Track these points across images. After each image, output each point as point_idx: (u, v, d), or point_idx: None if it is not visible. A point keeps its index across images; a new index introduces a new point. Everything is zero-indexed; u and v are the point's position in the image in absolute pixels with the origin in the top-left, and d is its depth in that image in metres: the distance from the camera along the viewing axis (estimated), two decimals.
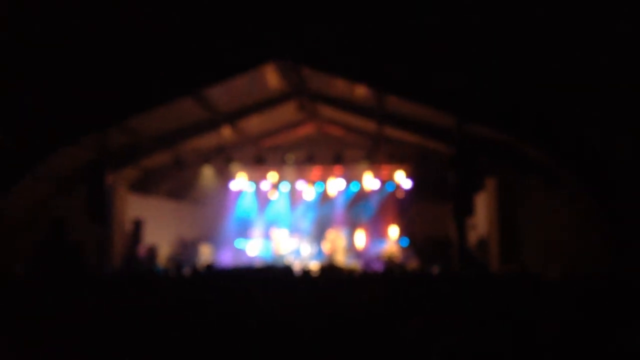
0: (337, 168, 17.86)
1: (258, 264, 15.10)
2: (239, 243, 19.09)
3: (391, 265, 14.74)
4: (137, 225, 15.42)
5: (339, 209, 19.75)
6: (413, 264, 15.52)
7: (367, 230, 19.57)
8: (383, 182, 19.02)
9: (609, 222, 10.07)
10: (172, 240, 17.82)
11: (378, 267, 14.92)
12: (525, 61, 8.64)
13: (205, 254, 17.15)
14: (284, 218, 19.76)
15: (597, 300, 5.51)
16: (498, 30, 8.35)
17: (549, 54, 8.32)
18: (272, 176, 18.94)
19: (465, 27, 8.53)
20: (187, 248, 17.94)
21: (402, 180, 18.30)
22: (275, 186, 19.42)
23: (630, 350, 4.16)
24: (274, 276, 8.80)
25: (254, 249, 18.64)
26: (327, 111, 15.40)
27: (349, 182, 19.18)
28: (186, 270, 10.47)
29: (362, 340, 4.45)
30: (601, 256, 9.95)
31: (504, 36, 8.39)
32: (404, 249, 17.36)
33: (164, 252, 16.84)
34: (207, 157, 15.44)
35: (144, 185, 16.65)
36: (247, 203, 20.03)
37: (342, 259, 16.71)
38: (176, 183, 18.26)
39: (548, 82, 8.86)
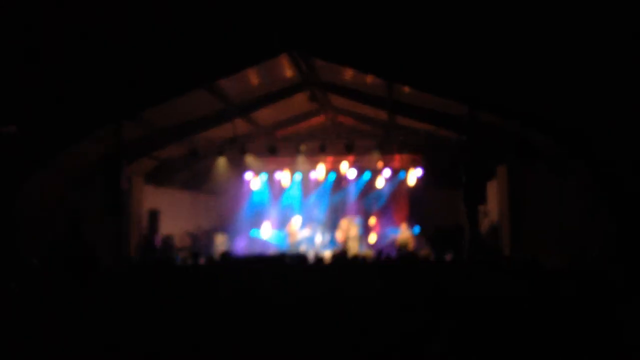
0: (349, 157, 18.02)
1: (272, 252, 15.33)
2: (254, 232, 19.39)
3: (403, 253, 14.88)
4: (153, 216, 15.71)
5: (352, 197, 20.01)
6: (425, 251, 15.66)
7: (379, 218, 19.77)
8: (395, 171, 19.18)
9: (618, 209, 10.15)
10: (181, 232, 18.13)
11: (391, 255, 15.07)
12: (537, 50, 8.66)
13: (220, 243, 17.40)
14: (297, 207, 20.04)
15: (603, 287, 5.60)
16: (510, 19, 8.39)
17: (561, 44, 8.37)
18: (286, 166, 19.20)
19: (476, 17, 8.59)
20: (195, 239, 18.23)
21: (414, 168, 18.45)
22: (289, 176, 19.68)
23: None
24: (287, 263, 8.99)
25: (268, 237, 18.89)
26: (339, 101, 15.50)
27: (361, 171, 19.39)
28: (202, 259, 10.72)
29: (370, 323, 4.61)
30: (611, 243, 10.04)
31: (516, 25, 8.43)
32: (417, 237, 17.51)
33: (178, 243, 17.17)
34: (221, 148, 15.64)
35: (159, 177, 16.91)
36: (260, 193, 20.32)
37: (355, 247, 16.88)
38: (191, 174, 18.51)
39: (558, 72, 8.91)
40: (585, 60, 8.30)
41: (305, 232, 18.26)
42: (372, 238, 19.20)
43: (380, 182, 19.38)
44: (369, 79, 12.39)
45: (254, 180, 19.88)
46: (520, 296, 5.43)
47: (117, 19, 9.24)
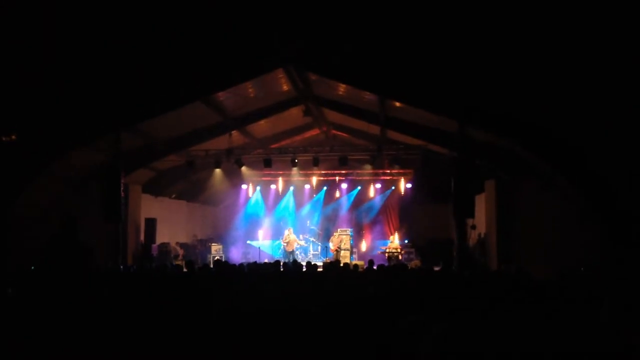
0: (343, 170, 18.35)
1: (267, 261, 15.55)
2: (248, 242, 19.63)
3: (394, 264, 15.12)
4: (151, 225, 15.88)
5: (344, 209, 20.31)
6: (416, 262, 15.89)
7: (371, 230, 20.07)
8: (386, 184, 19.54)
9: (603, 220, 10.38)
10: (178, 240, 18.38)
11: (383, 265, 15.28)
12: (523, 71, 9.00)
13: (216, 252, 17.61)
14: (291, 218, 20.32)
15: (592, 298, 5.68)
16: (498, 39, 8.73)
17: (545, 65, 8.70)
18: (280, 178, 19.51)
19: (467, 36, 8.92)
20: (187, 249, 18.45)
21: (405, 182, 18.80)
22: (283, 187, 19.99)
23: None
24: (281, 270, 9.22)
25: (262, 247, 19.13)
26: (333, 115, 15.77)
27: (353, 183, 19.73)
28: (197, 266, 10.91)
29: (362, 327, 4.74)
30: (596, 253, 10.26)
31: (504, 46, 8.76)
32: (407, 249, 17.76)
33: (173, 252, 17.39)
34: (217, 159, 15.81)
35: (157, 187, 17.15)
36: (255, 204, 20.61)
37: (346, 257, 17.08)
38: (188, 184, 18.72)
39: (544, 90, 9.22)
40: (578, 78, 8.55)
41: (299, 243, 18.51)
42: (363, 249, 19.50)
43: (371, 195, 19.76)
44: (363, 94, 12.65)
45: (249, 192, 20.21)
46: (508, 304, 5.48)
47: (121, 33, 9.54)
